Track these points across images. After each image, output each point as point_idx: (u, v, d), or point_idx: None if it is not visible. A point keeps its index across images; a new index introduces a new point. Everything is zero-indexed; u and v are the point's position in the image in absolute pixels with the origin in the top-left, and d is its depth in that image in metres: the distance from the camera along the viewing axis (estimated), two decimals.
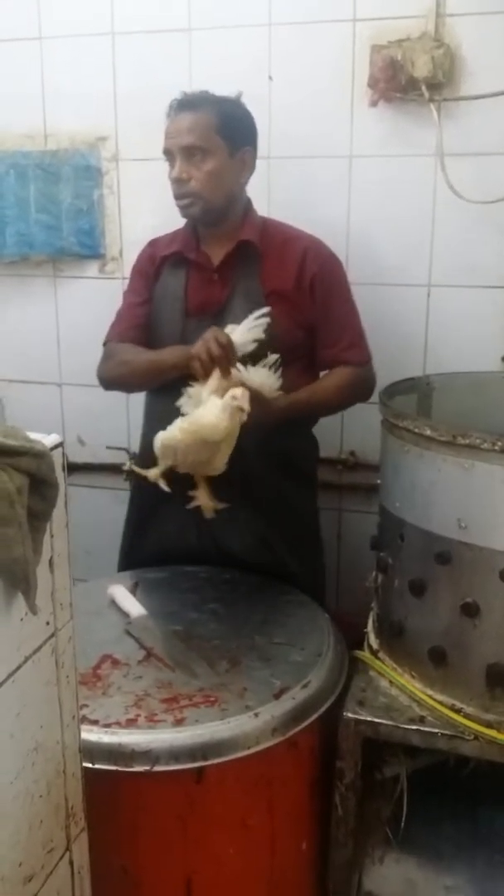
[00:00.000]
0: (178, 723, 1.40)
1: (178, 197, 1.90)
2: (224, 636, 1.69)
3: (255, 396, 1.71)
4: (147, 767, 1.35)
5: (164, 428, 1.77)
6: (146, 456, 1.89)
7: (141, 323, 2.03)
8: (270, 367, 1.81)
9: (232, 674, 1.55)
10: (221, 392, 1.70)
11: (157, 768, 1.35)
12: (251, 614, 1.78)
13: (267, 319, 1.80)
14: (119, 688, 1.51)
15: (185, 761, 1.36)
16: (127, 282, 2.13)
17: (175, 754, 1.36)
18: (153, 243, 2.08)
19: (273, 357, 1.81)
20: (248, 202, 1.99)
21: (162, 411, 1.86)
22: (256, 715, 1.42)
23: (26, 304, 2.57)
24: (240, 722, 1.41)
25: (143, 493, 2.00)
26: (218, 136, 1.84)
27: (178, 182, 1.87)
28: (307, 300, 1.94)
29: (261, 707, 1.44)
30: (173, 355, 1.87)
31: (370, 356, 2.00)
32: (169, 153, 1.87)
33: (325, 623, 1.75)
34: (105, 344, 2.06)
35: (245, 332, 1.79)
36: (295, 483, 2.03)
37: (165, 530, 2.01)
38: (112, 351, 2.02)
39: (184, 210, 1.92)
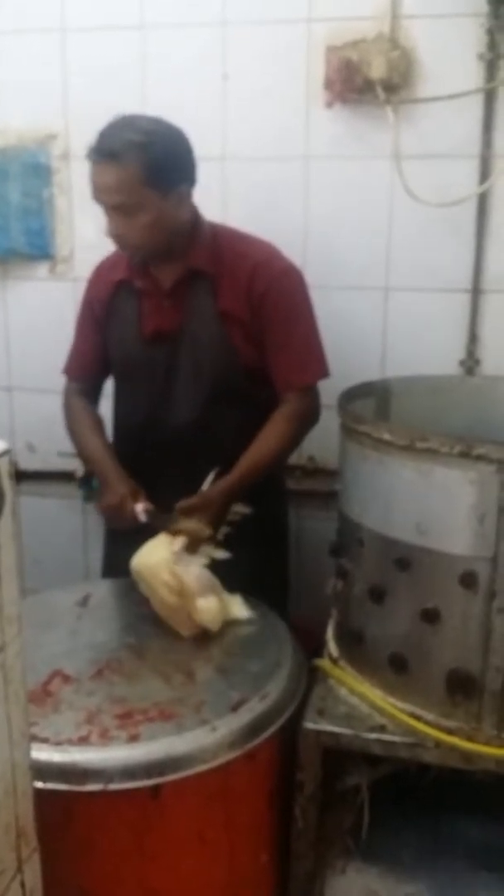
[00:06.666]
0: (133, 739, 1.36)
1: (119, 248, 1.85)
2: (179, 648, 1.65)
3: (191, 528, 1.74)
4: (101, 786, 1.30)
5: None
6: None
7: (91, 360, 2.05)
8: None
9: (188, 687, 1.51)
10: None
11: (112, 787, 1.30)
12: None
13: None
14: (70, 704, 1.46)
15: (141, 778, 1.32)
16: (79, 284, 2.08)
17: (130, 772, 1.31)
18: (99, 271, 2.03)
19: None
20: (196, 220, 1.88)
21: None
22: (214, 729, 1.39)
23: None
24: (197, 736, 1.37)
25: None
26: (146, 188, 1.71)
27: (115, 238, 1.80)
28: (258, 320, 1.87)
29: (218, 720, 1.41)
30: (101, 479, 1.90)
31: (321, 373, 1.92)
32: (99, 203, 1.78)
33: (282, 632, 1.72)
34: (65, 373, 2.07)
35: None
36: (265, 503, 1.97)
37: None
38: (69, 403, 2.04)
39: (129, 258, 1.89)
